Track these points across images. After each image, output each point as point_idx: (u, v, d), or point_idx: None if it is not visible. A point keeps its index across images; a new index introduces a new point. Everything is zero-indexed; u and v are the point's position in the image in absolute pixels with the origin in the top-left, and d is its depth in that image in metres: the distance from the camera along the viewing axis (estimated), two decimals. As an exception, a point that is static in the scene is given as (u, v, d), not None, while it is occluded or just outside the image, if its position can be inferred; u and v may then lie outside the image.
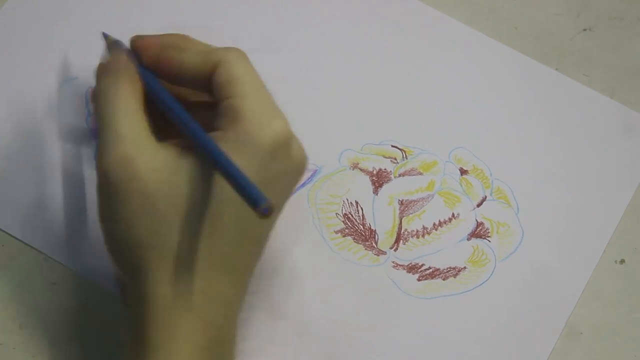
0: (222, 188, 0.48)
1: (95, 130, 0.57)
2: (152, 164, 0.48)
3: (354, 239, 0.59)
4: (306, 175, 0.61)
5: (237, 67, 0.50)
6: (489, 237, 0.60)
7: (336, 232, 0.59)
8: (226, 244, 0.49)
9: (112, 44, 0.54)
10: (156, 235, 0.48)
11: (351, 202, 0.60)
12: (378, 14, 0.65)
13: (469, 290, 0.58)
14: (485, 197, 0.61)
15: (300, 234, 0.59)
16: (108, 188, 0.49)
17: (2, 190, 0.59)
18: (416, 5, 0.66)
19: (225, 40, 0.64)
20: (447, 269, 0.59)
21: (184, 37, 0.53)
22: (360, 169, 0.61)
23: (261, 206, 0.45)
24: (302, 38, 0.65)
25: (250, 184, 0.46)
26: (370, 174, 0.61)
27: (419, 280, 0.59)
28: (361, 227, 0.60)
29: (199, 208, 0.48)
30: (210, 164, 0.48)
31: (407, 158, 0.62)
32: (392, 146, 0.62)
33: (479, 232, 0.60)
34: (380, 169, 0.61)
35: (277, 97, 0.63)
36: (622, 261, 0.60)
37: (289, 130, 0.50)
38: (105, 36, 0.55)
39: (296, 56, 0.64)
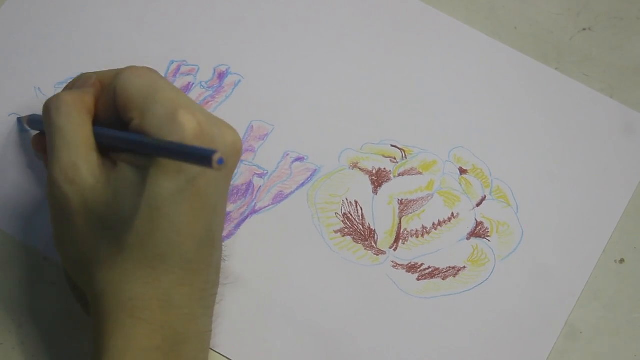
0: (154, 192, 0.49)
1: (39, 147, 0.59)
2: (94, 178, 0.50)
3: (353, 238, 0.59)
4: (306, 175, 0.61)
5: (127, 89, 0.50)
6: (488, 236, 0.60)
7: (336, 232, 0.59)
8: (164, 247, 0.49)
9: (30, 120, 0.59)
10: (96, 250, 0.50)
11: (351, 202, 0.60)
12: (378, 13, 0.65)
13: (469, 290, 0.58)
14: (485, 196, 0.61)
15: (300, 234, 0.59)
16: (55, 205, 0.51)
17: (2, 190, 0.59)
18: (416, 5, 0.66)
19: (226, 40, 0.65)
20: (447, 268, 0.59)
21: (85, 78, 0.55)
22: (359, 168, 0.61)
23: (214, 158, 0.44)
24: (302, 38, 0.65)
25: (191, 146, 0.47)
26: (369, 173, 0.61)
27: (418, 279, 0.59)
28: (361, 226, 0.60)
29: (133, 216, 0.49)
30: (147, 151, 0.49)
31: (406, 157, 0.62)
32: (392, 146, 0.62)
33: (478, 232, 0.60)
34: (379, 169, 0.61)
35: (277, 98, 0.63)
36: (622, 261, 0.60)
37: (193, 123, 0.49)
38: (19, 120, 0.60)
39: (296, 56, 0.64)
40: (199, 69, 0.63)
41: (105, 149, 0.52)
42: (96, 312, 0.51)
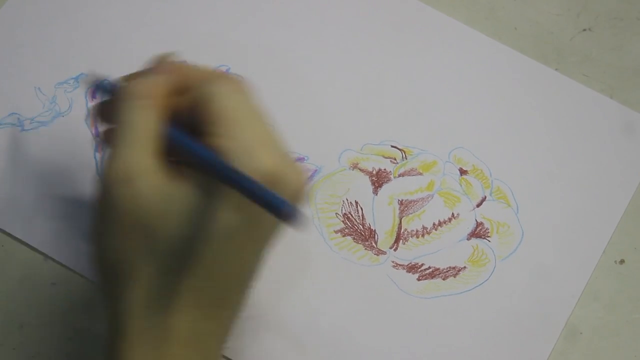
0: (210, 222, 0.46)
1: (99, 143, 0.56)
2: (152, 188, 0.46)
3: (353, 238, 0.59)
4: (306, 175, 0.61)
5: (221, 104, 0.47)
6: (488, 237, 0.60)
7: (336, 232, 0.59)
8: (205, 281, 0.47)
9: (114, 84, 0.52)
10: (135, 265, 0.47)
11: (351, 202, 0.60)
12: (378, 13, 0.65)
13: (469, 290, 0.58)
14: (485, 197, 0.61)
15: (300, 234, 0.59)
16: (107, 202, 0.47)
17: (2, 190, 0.59)
18: (416, 5, 0.66)
19: (226, 40, 0.65)
20: (447, 268, 0.59)
21: (169, 66, 0.50)
22: (360, 169, 0.61)
23: (284, 210, 0.42)
24: (302, 38, 0.65)
25: (272, 193, 0.44)
26: (370, 174, 0.61)
27: (418, 280, 0.59)
28: (361, 227, 0.60)
29: (184, 242, 0.46)
30: (225, 181, 0.45)
31: (406, 158, 0.62)
32: (392, 146, 0.62)
33: (478, 232, 0.60)
34: (380, 169, 0.61)
35: (277, 98, 0.63)
36: (622, 261, 0.60)
37: (270, 166, 0.46)
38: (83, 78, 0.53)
39: (296, 56, 0.64)
40: (199, 69, 0.63)
41: (173, 156, 0.47)
42: (114, 329, 0.47)
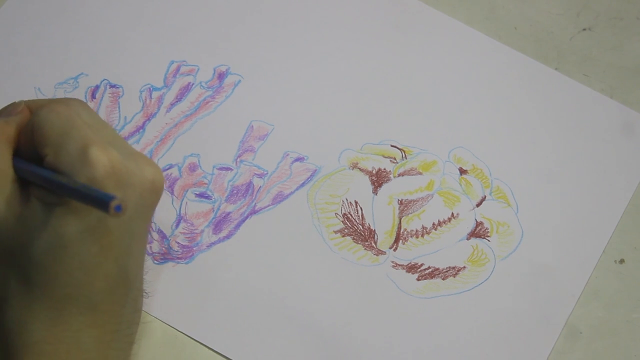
0: (62, 230, 0.48)
1: None
2: (9, 211, 0.49)
3: (353, 239, 0.59)
4: (306, 175, 0.61)
5: (43, 126, 0.49)
6: (488, 236, 0.60)
7: (336, 232, 0.59)
8: (72, 288, 0.48)
9: None
10: (5, 287, 0.49)
11: (350, 202, 0.60)
12: (378, 13, 0.65)
13: (469, 290, 0.58)
14: (485, 196, 0.61)
15: (300, 234, 0.59)
16: None
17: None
18: (416, 5, 0.66)
19: (226, 40, 0.65)
20: (447, 268, 0.59)
21: (15, 106, 0.53)
22: (359, 168, 0.61)
23: (111, 205, 0.44)
24: (302, 38, 0.65)
25: (92, 189, 0.46)
26: (369, 173, 0.61)
27: (418, 279, 0.59)
28: (360, 227, 0.60)
29: (41, 254, 0.48)
30: (54, 189, 0.48)
31: (406, 158, 0.62)
32: (392, 146, 0.62)
33: (478, 232, 0.60)
34: (379, 169, 0.61)
35: (277, 98, 0.63)
36: (622, 261, 0.60)
37: (104, 160, 0.48)
38: None
39: (296, 56, 0.64)
40: (198, 69, 0.63)
41: (26, 182, 0.50)
42: (4, 352, 0.49)
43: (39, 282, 0.48)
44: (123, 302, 0.50)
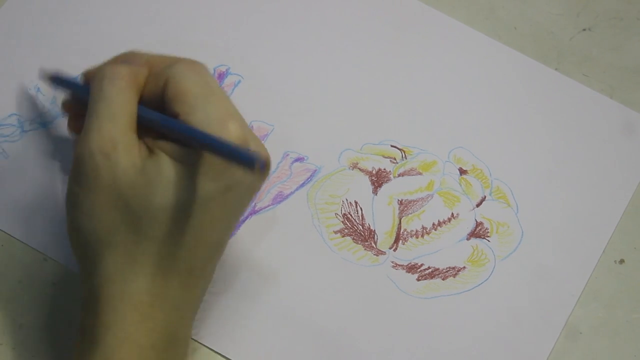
0: (187, 191, 0.48)
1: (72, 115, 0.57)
2: (130, 160, 0.49)
3: (353, 239, 0.59)
4: (306, 175, 0.61)
5: (182, 82, 0.50)
6: (488, 236, 0.60)
7: (335, 232, 0.59)
8: (179, 248, 0.49)
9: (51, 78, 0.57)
10: (114, 232, 0.49)
11: (350, 202, 0.60)
12: (378, 13, 0.65)
13: (469, 290, 0.58)
14: (485, 196, 0.61)
15: (300, 234, 0.59)
16: (86, 172, 0.49)
17: (2, 190, 0.60)
18: (416, 5, 0.66)
19: (226, 40, 0.65)
20: (447, 268, 0.59)
21: (137, 56, 0.53)
22: (359, 168, 0.61)
23: (257, 160, 0.45)
24: (302, 38, 0.65)
25: (240, 146, 0.47)
26: (369, 173, 0.61)
27: (418, 280, 0.59)
28: (360, 227, 0.60)
29: (160, 210, 0.49)
30: (194, 143, 0.48)
31: (406, 158, 0.62)
32: (392, 146, 0.62)
33: (478, 232, 0.60)
34: (379, 169, 0.61)
35: (277, 98, 0.63)
36: (622, 261, 0.60)
37: (240, 134, 0.49)
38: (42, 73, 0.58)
39: (296, 56, 0.64)
40: (199, 69, 0.63)
41: (144, 133, 0.50)
42: (94, 298, 0.50)
43: (151, 235, 0.49)
44: (212, 270, 0.52)
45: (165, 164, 0.49)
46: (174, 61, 0.51)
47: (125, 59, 0.53)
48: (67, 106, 0.57)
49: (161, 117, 0.50)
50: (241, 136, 0.49)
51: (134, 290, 0.49)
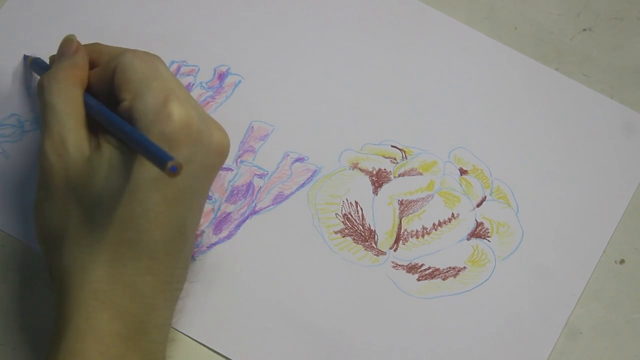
0: (132, 177, 0.49)
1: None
2: (80, 154, 0.51)
3: (353, 239, 0.59)
4: (306, 175, 0.61)
5: (128, 70, 0.51)
6: (488, 237, 0.60)
7: (336, 233, 0.59)
8: (135, 232, 0.50)
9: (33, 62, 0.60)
10: (69, 225, 0.51)
11: (351, 202, 0.60)
12: (378, 14, 0.65)
13: (469, 290, 0.58)
14: (485, 197, 0.61)
15: (300, 234, 0.59)
16: (42, 179, 0.52)
17: (2, 190, 0.59)
18: (416, 5, 0.66)
19: (226, 40, 0.65)
20: (447, 269, 0.59)
21: (95, 48, 0.56)
22: (360, 169, 0.61)
23: (167, 164, 0.46)
24: (302, 38, 0.65)
25: (155, 145, 0.48)
26: (370, 174, 0.61)
27: (418, 280, 0.59)
28: (361, 227, 0.60)
29: (108, 197, 0.50)
30: (121, 137, 0.50)
31: (406, 158, 0.62)
32: (392, 146, 0.62)
33: (478, 232, 0.60)
34: (380, 169, 0.61)
35: (277, 98, 0.63)
36: (622, 261, 0.60)
37: (182, 115, 0.50)
38: (26, 57, 0.61)
39: (296, 56, 0.64)
40: (199, 69, 0.63)
41: (97, 126, 0.53)
42: (59, 289, 0.51)
43: (102, 223, 0.50)
44: (177, 255, 0.52)
45: (108, 152, 0.51)
46: (122, 51, 0.53)
47: (61, 51, 0.56)
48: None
49: (101, 108, 0.52)
50: (184, 117, 0.49)
51: (93, 278, 0.50)
